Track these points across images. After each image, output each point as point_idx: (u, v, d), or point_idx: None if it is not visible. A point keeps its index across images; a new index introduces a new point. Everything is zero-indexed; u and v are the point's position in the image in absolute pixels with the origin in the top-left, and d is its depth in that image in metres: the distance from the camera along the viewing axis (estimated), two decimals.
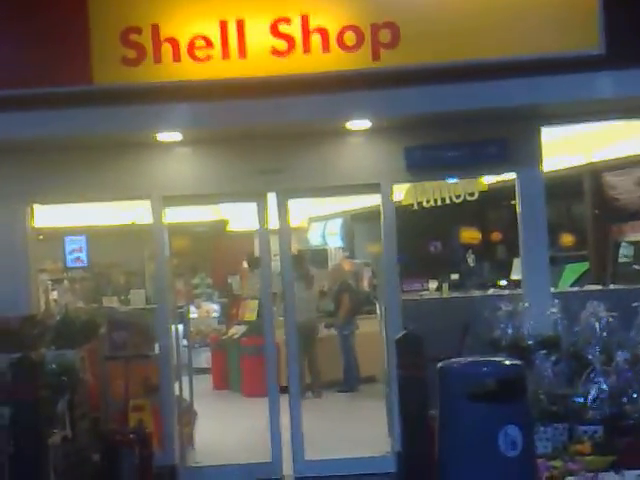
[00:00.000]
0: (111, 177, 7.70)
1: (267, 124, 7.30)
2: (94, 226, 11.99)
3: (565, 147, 8.96)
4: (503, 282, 9.65)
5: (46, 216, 8.29)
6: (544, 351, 6.23)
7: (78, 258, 12.78)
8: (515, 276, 10.50)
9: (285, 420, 7.71)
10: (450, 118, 7.34)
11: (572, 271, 9.06)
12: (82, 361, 7.14)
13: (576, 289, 8.60)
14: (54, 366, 6.69)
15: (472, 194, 9.89)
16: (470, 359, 5.59)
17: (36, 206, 7.92)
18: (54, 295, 9.97)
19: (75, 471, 6.48)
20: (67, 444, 6.55)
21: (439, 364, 5.37)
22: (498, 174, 8.35)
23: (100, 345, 7.65)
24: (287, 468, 7.67)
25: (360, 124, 7.52)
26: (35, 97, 7.04)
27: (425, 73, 7.04)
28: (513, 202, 8.04)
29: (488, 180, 9.61)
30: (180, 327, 8.56)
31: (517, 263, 10.32)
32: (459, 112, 7.19)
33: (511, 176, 7.98)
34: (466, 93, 6.99)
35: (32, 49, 7.16)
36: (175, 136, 7.54)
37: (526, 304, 6.86)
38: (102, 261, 13.20)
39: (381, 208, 7.81)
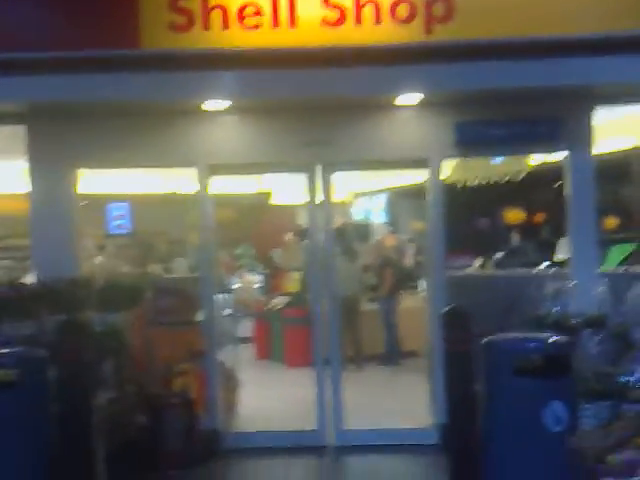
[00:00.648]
0: (157, 144, 7.69)
1: (316, 96, 7.26)
2: (138, 194, 12.05)
3: (615, 129, 8.82)
4: (545, 263, 9.52)
5: (90, 182, 8.32)
6: (590, 330, 6.20)
7: (121, 225, 12.84)
8: (560, 256, 10.42)
9: (327, 391, 7.74)
10: (502, 95, 7.27)
11: (618, 252, 8.95)
12: (127, 325, 7.24)
13: (622, 270, 8.48)
14: (100, 329, 6.79)
15: (518, 174, 9.78)
16: (515, 335, 5.59)
17: (81, 171, 7.91)
18: (98, 260, 10.06)
19: (120, 432, 6.58)
20: (112, 406, 6.65)
21: (484, 339, 5.38)
22: (549, 153, 8.23)
23: (145, 311, 7.73)
24: (329, 437, 7.72)
25: (410, 98, 7.47)
26: (83, 60, 7.00)
27: (478, 49, 6.96)
28: (559, 183, 7.96)
29: (534, 161, 9.51)
30: (223, 296, 8.61)
31: (562, 244, 10.25)
32: (511, 89, 7.11)
33: (558, 157, 7.90)
34: (519, 70, 6.92)
35: (81, 12, 7.19)
36: (222, 104, 7.50)
37: (572, 282, 6.80)
38: (145, 229, 13.27)
39: (428, 184, 7.77)
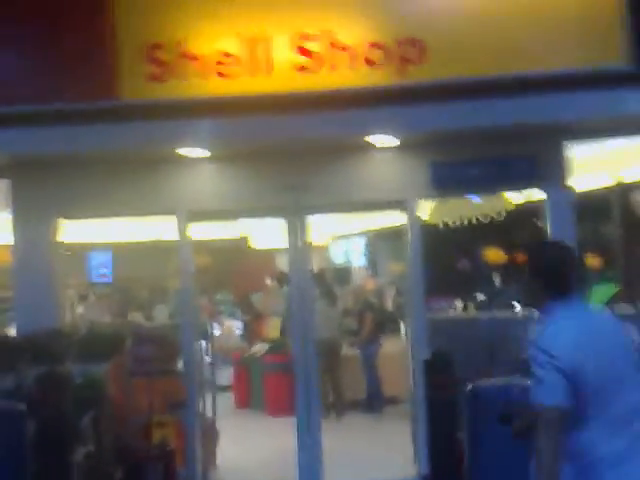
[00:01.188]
0: (137, 192, 7.69)
1: (292, 140, 7.28)
2: (119, 242, 12.03)
3: (593, 165, 8.87)
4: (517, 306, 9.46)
5: (72, 231, 8.30)
6: None
7: (103, 274, 12.79)
8: None
9: (308, 441, 7.61)
10: (476, 134, 7.29)
11: (603, 292, 8.92)
12: (107, 376, 7.14)
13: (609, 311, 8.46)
14: (80, 380, 6.70)
15: (498, 213, 9.80)
16: (500, 381, 5.54)
17: (63, 222, 7.91)
18: (80, 310, 9.98)
19: None
20: (91, 460, 6.53)
21: (468, 386, 5.33)
22: (525, 190, 8.24)
23: (125, 360, 7.63)
24: None
25: (386, 140, 7.49)
26: (61, 113, 7.08)
27: (451, 89, 7.01)
28: (538, 222, 7.96)
29: (514, 200, 9.54)
30: (203, 344, 8.51)
31: None
32: (485, 128, 7.13)
33: (537, 196, 7.92)
34: (491, 109, 6.94)
35: (59, 65, 7.28)
36: (200, 152, 7.53)
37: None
38: (126, 276, 13.22)
39: (406, 225, 7.76)
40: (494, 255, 12.42)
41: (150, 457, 6.93)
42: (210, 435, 8.45)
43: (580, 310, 3.58)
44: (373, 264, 15.20)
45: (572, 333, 3.42)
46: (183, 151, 7.46)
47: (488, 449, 5.11)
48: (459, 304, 10.80)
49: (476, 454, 5.20)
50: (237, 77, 7.15)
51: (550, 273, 3.56)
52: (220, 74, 7.15)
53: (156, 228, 10.33)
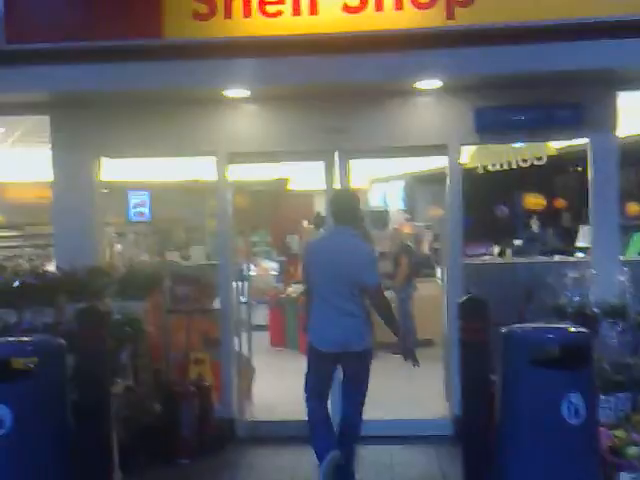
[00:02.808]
0: (178, 132, 7.72)
1: (335, 83, 7.20)
2: (157, 182, 12.08)
3: (638, 113, 8.68)
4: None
5: (110, 170, 8.37)
6: (610, 320, 6.14)
7: (141, 213, 12.88)
8: (580, 244, 10.32)
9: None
10: (523, 80, 7.17)
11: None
12: (145, 313, 7.26)
13: None
14: (119, 317, 6.82)
15: (539, 159, 9.66)
16: (534, 325, 5.53)
17: (101, 159, 7.98)
18: (118, 248, 10.09)
19: (136, 420, 6.60)
20: (129, 394, 6.67)
21: (502, 329, 5.32)
22: (571, 139, 8.09)
23: (163, 298, 7.75)
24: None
25: (429, 83, 7.38)
26: (106, 50, 7.08)
27: (499, 33, 6.87)
28: (580, 168, 7.85)
29: (555, 145, 9.40)
30: (239, 284, 8.59)
31: (583, 231, 10.14)
32: (532, 74, 7.00)
33: (579, 142, 7.80)
34: (540, 54, 6.79)
35: (103, 1, 7.27)
36: (242, 92, 7.49)
37: (593, 271, 6.73)
38: (164, 216, 13.31)
39: (448, 170, 7.69)
40: (533, 201, 12.31)
41: (187, 392, 7.07)
42: (245, 372, 8.59)
43: (335, 234, 6.18)
44: (411, 208, 15.14)
45: (315, 244, 6.44)
46: (225, 91, 7.43)
47: (520, 391, 5.12)
48: (496, 249, 10.76)
49: (508, 396, 5.21)
50: (282, 17, 7.07)
51: (331, 210, 6.26)
52: (264, 13, 7.07)
53: (195, 168, 10.36)
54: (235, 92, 7.48)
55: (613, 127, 7.42)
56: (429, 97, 7.62)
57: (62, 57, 7.05)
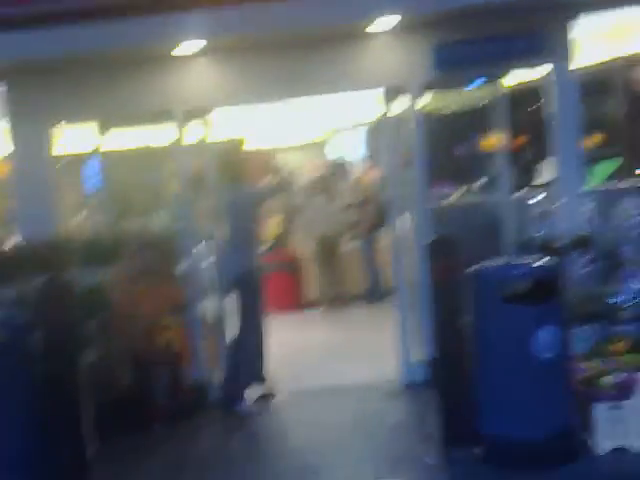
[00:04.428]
0: (133, 94, 7.59)
1: (287, 28, 6.99)
2: (112, 150, 11.87)
3: (596, 40, 8.57)
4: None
5: (67, 143, 8.21)
6: (577, 251, 6.13)
7: (97, 182, 12.65)
8: (543, 179, 10.28)
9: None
10: (478, 12, 6.96)
11: (604, 169, 8.79)
12: (110, 282, 7.15)
13: (609, 187, 8.34)
14: (82, 287, 6.70)
15: (494, 97, 9.55)
16: (502, 261, 5.50)
17: (59, 128, 7.82)
18: (78, 219, 9.91)
19: (107, 390, 6.55)
20: (98, 364, 6.60)
21: (472, 267, 5.28)
22: (531, 68, 7.90)
23: (126, 266, 7.62)
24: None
25: (384, 24, 7.20)
26: (55, 12, 6.85)
27: None
28: (539, 102, 7.76)
29: (511, 81, 9.28)
30: (203, 247, 8.46)
31: (544, 165, 10.08)
32: (489, 4, 6.83)
33: (537, 75, 7.70)
34: None
35: None
36: (195, 46, 7.29)
37: (558, 203, 6.70)
38: (125, 184, 13.09)
39: (408, 113, 7.58)
40: (493, 140, 12.23)
41: (156, 360, 7.02)
42: (214, 337, 8.48)
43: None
44: (374, 156, 15.00)
45: None
46: (179, 47, 7.23)
47: (492, 329, 5.10)
48: (459, 191, 10.70)
49: (480, 335, 5.19)
50: None
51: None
52: None
53: (149, 133, 10.17)
54: (189, 47, 7.27)
55: (572, 55, 7.33)
56: (384, 38, 7.47)
57: (14, 22, 6.85)
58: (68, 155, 8.61)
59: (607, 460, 5.14)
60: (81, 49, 6.96)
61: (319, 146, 14.39)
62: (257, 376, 7.49)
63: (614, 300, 5.88)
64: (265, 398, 7.51)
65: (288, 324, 7.99)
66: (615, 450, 5.15)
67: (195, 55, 7.48)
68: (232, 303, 7.49)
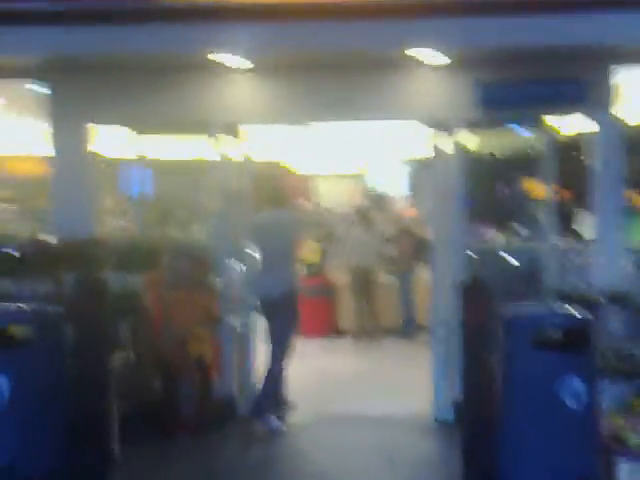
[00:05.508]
0: (179, 105, 7.64)
1: (328, 50, 7.01)
2: (159, 159, 12.00)
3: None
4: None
5: (110, 146, 8.30)
6: (613, 305, 6.10)
7: (142, 189, 12.78)
8: (582, 230, 10.23)
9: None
10: (525, 54, 7.00)
11: None
12: (143, 287, 7.21)
13: None
14: (117, 289, 6.76)
15: (541, 144, 9.57)
16: (535, 307, 5.49)
17: (99, 129, 7.89)
18: (118, 222, 10.02)
19: (135, 395, 6.58)
20: (128, 367, 6.65)
21: (504, 311, 5.28)
22: (572, 114, 7.89)
23: (162, 273, 7.69)
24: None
25: (429, 58, 7.24)
26: (100, 12, 6.89)
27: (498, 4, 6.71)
28: (582, 157, 7.76)
29: (560, 131, 9.30)
30: (240, 263, 8.52)
31: (585, 217, 10.02)
32: (533, 48, 6.84)
33: (582, 126, 7.68)
34: (539, 27, 6.62)
35: None
36: (241, 62, 7.35)
37: (597, 257, 6.68)
38: (165, 193, 13.22)
39: (450, 153, 7.61)
40: (537, 186, 12.21)
41: (185, 369, 7.05)
42: (243, 352, 8.52)
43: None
44: (415, 191, 15.03)
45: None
46: (223, 59, 7.26)
47: (521, 374, 5.08)
48: (498, 234, 10.69)
49: (508, 379, 5.17)
50: None
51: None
52: None
53: (190, 145, 10.30)
54: (234, 60, 7.31)
55: (616, 106, 7.30)
56: (432, 70, 7.50)
57: (59, 19, 6.87)
58: (106, 158, 8.71)
59: None
60: (125, 51, 7.00)
61: (360, 177, 14.47)
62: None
63: None
64: (283, 418, 7.53)
65: (320, 349, 8.00)
66: None
67: (241, 70, 7.52)
68: (266, 321, 7.49)
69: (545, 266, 7.01)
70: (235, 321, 7.96)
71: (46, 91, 7.73)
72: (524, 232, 10.65)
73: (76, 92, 7.62)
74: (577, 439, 4.97)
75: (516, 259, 7.56)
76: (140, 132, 8.31)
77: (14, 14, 6.91)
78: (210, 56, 7.19)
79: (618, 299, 6.12)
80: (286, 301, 7.32)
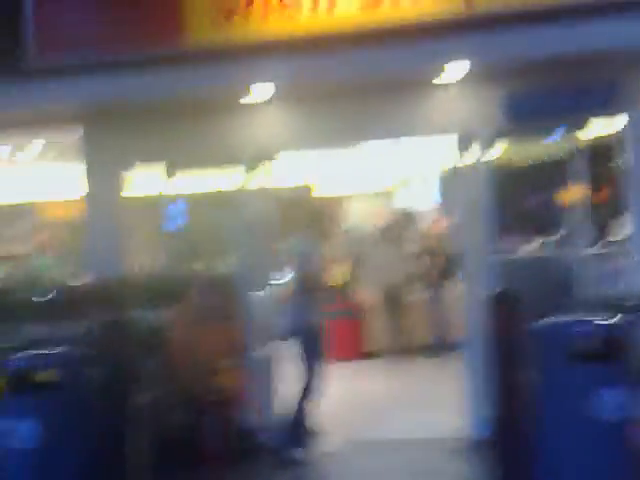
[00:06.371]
0: (205, 142, 7.75)
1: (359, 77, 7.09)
2: (186, 194, 12.06)
3: None
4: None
5: (140, 184, 8.37)
6: None
7: (173, 223, 12.84)
8: (617, 235, 10.04)
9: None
10: (554, 63, 6.93)
11: None
12: (171, 322, 7.20)
13: None
14: (144, 327, 6.75)
15: (571, 151, 9.43)
16: (569, 317, 5.33)
17: (128, 173, 8.04)
18: (146, 258, 10.07)
19: (162, 430, 6.55)
20: (154, 404, 6.62)
21: (537, 323, 5.14)
22: (606, 119, 7.76)
23: (189, 307, 7.66)
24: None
25: (456, 74, 7.20)
26: (130, 61, 7.16)
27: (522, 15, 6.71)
28: (612, 158, 7.61)
29: (589, 134, 9.14)
30: (265, 293, 8.47)
31: (620, 221, 9.84)
32: (563, 55, 6.78)
33: (613, 130, 7.54)
34: (570, 34, 6.62)
35: (126, 13, 7.33)
36: (267, 94, 7.38)
37: (633, 262, 6.49)
38: (195, 227, 13.27)
39: (479, 163, 7.52)
40: (569, 193, 12.03)
41: (211, 402, 7.02)
42: (268, 383, 8.42)
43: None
44: (445, 205, 14.89)
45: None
46: (252, 94, 7.36)
47: (556, 387, 4.93)
48: (530, 244, 10.54)
49: (543, 393, 5.02)
50: (298, 16, 7.03)
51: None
52: (282, 14, 7.04)
53: (218, 178, 10.33)
54: (261, 94, 7.39)
55: None
56: (456, 88, 7.46)
57: (93, 69, 7.14)
58: (140, 197, 8.77)
59: None
60: (156, 95, 7.20)
61: (388, 195, 14.37)
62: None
63: None
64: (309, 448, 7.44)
65: (351, 372, 7.89)
66: None
67: (265, 101, 7.57)
68: (291, 350, 7.43)
69: (579, 274, 6.83)
70: (260, 352, 7.89)
71: (80, 136, 7.92)
72: (557, 241, 10.51)
73: (108, 136, 7.81)
74: (614, 451, 4.80)
75: (549, 269, 7.38)
76: (174, 170, 8.38)
77: (53, 68, 7.22)
78: (242, 100, 7.38)
79: None
80: (311, 327, 7.34)
